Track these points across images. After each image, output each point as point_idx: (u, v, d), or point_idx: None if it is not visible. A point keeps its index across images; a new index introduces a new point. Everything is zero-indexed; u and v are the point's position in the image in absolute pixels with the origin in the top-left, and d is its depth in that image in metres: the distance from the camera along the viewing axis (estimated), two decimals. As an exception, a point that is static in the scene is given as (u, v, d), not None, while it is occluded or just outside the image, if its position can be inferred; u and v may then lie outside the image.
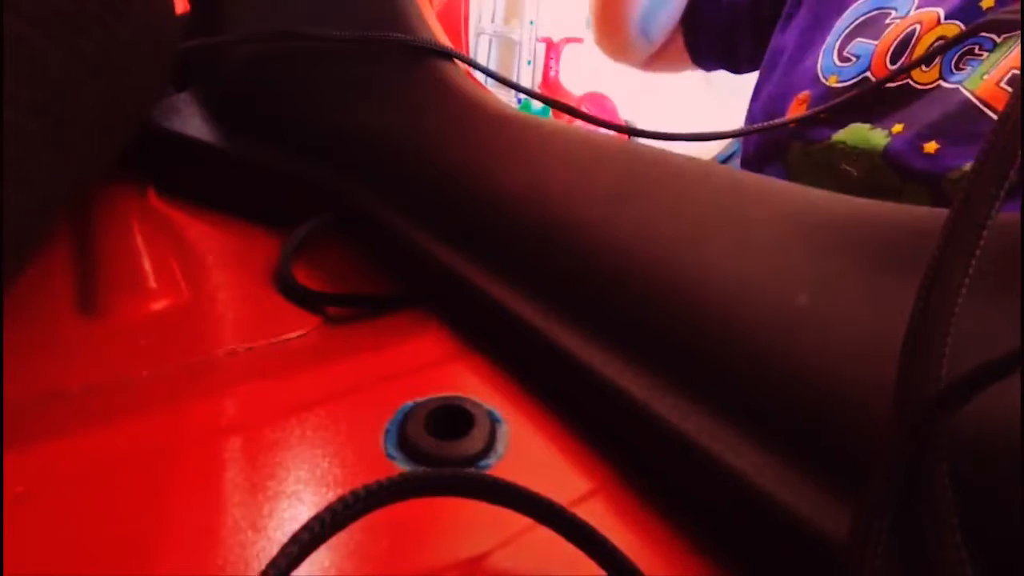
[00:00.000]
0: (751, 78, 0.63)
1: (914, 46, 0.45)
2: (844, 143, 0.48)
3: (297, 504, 0.18)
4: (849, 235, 0.20)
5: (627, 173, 0.26)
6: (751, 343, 0.18)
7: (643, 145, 0.29)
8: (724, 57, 0.68)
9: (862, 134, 0.47)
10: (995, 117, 0.16)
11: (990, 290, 0.15)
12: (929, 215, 0.20)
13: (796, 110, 0.52)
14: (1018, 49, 0.41)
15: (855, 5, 0.51)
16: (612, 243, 0.23)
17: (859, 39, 0.49)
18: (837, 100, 0.46)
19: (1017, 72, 0.40)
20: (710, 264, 0.21)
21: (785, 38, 0.56)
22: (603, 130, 0.37)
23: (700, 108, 2.06)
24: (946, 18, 0.44)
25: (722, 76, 0.72)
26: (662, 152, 0.27)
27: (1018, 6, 0.40)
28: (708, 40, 0.67)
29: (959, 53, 0.43)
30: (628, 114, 2.27)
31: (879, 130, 0.46)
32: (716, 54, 0.68)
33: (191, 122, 0.36)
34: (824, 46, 0.51)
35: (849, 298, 0.18)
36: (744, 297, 0.19)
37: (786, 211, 0.22)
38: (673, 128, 0.37)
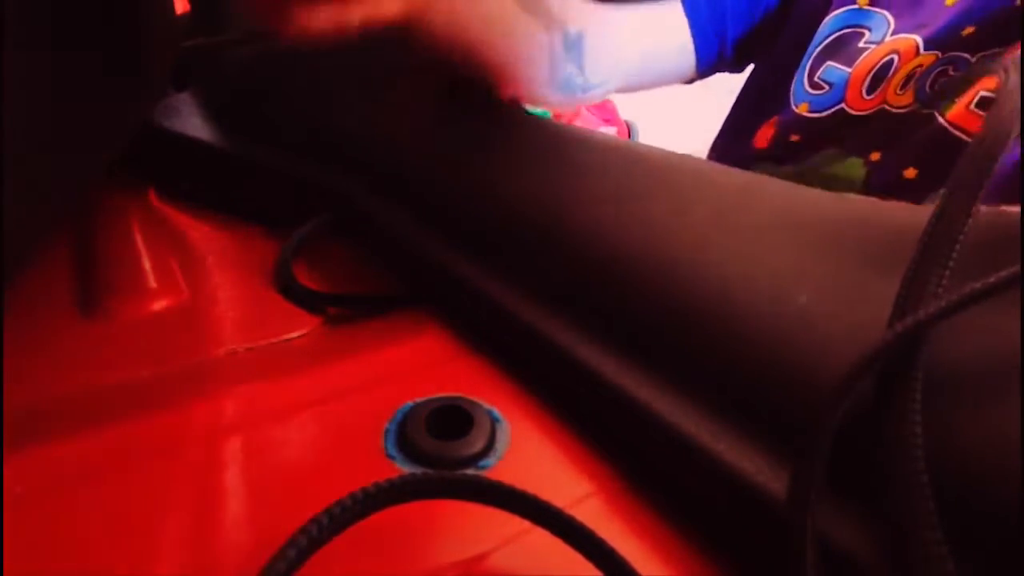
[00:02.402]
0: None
1: (891, 78, 0.44)
2: (820, 171, 0.47)
3: (297, 504, 0.18)
4: (850, 233, 0.20)
5: (628, 173, 0.26)
6: (751, 343, 0.18)
7: (644, 145, 0.29)
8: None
9: (837, 162, 0.46)
10: (967, 139, 0.16)
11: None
12: (928, 214, 0.20)
13: (765, 133, 0.51)
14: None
15: (828, 19, 0.49)
16: (612, 243, 0.23)
17: (831, 63, 0.47)
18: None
19: (986, 94, 0.39)
20: (710, 264, 0.21)
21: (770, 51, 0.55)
22: (604, 130, 0.37)
23: (700, 108, 2.06)
24: (925, 48, 0.43)
25: (720, 77, 0.71)
26: (663, 152, 0.27)
27: (1013, 49, 0.39)
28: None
29: (934, 75, 0.42)
30: (628, 114, 2.26)
31: (855, 158, 0.45)
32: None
33: (191, 122, 0.36)
34: (797, 67, 0.49)
35: (850, 298, 0.18)
36: (744, 297, 0.19)
37: (786, 210, 0.22)
38: (673, 127, 0.37)
